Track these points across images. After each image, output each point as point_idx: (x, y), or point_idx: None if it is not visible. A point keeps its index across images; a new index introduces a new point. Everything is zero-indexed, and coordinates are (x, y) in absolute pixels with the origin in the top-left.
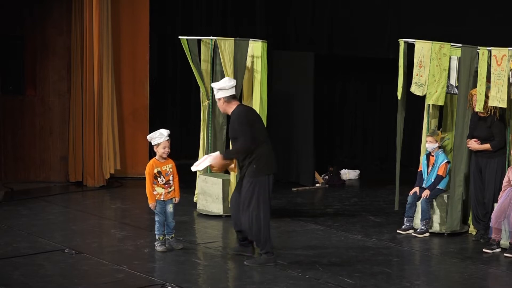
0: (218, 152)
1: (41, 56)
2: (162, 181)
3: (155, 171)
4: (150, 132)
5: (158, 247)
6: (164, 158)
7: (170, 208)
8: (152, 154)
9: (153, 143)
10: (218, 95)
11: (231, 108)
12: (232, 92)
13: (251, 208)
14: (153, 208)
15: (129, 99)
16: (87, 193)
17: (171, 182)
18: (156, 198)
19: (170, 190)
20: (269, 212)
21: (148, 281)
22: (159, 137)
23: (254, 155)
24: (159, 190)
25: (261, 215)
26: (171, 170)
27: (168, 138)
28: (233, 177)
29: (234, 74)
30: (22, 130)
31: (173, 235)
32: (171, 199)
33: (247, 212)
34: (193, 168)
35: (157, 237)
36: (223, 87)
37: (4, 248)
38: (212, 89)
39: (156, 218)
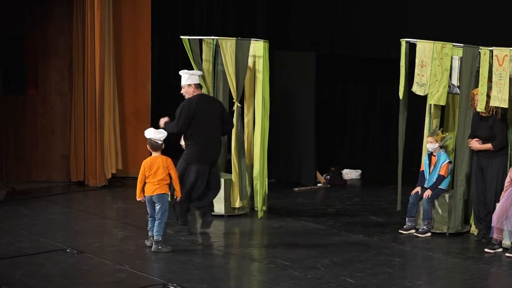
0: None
1: (42, 56)
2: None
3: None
4: None
5: (166, 248)
6: None
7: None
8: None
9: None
10: (190, 80)
11: (195, 94)
12: (198, 81)
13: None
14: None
15: (130, 99)
16: (88, 192)
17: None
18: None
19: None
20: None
21: (149, 281)
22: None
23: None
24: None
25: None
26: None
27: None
28: (235, 177)
29: (236, 74)
30: (24, 130)
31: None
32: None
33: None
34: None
35: (160, 237)
36: (195, 74)
37: (5, 248)
38: (214, 88)
39: (165, 217)
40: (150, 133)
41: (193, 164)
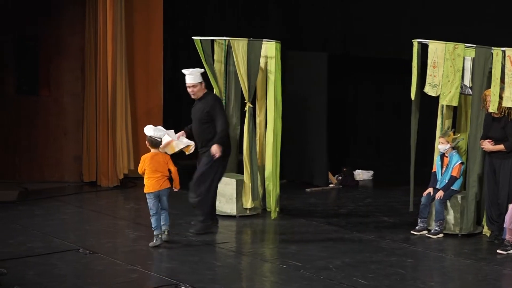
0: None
1: (55, 56)
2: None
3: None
4: None
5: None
6: None
7: None
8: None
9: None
10: (200, 78)
11: (202, 92)
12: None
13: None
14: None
15: (143, 99)
16: (101, 193)
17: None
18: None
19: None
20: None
21: (161, 281)
22: (161, 131)
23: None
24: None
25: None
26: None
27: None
28: (246, 177)
29: (248, 75)
30: (37, 130)
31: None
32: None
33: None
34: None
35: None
36: (201, 71)
37: (18, 248)
38: (226, 88)
39: (167, 211)
40: (150, 131)
41: (227, 157)
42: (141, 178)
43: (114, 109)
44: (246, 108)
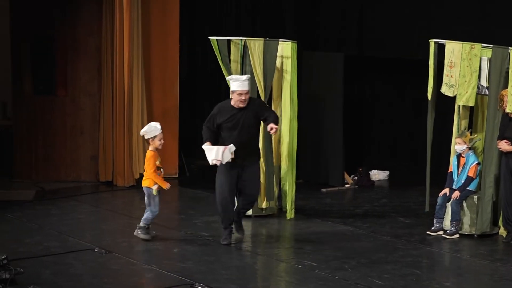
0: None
1: (71, 56)
2: (159, 174)
3: (157, 163)
4: (180, 132)
5: (144, 235)
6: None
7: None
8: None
9: (148, 136)
10: (248, 86)
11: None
12: None
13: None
14: (167, 188)
15: (159, 99)
16: (117, 192)
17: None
18: (157, 190)
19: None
20: None
21: (177, 281)
22: (154, 130)
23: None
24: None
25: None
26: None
27: (161, 130)
28: (262, 178)
29: (264, 75)
30: (53, 130)
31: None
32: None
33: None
34: (215, 162)
35: (144, 225)
36: (247, 78)
37: (35, 247)
38: None
39: (153, 210)
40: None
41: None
42: None
43: (131, 109)
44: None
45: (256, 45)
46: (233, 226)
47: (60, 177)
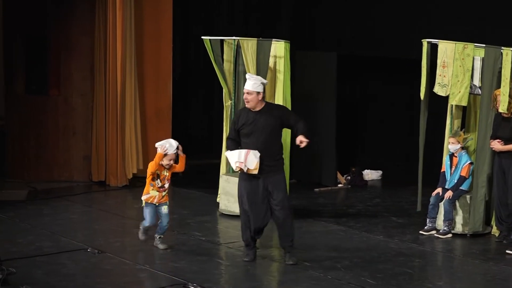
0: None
1: (64, 56)
2: (158, 184)
3: (156, 171)
4: (173, 132)
5: (141, 235)
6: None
7: (164, 209)
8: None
9: (161, 151)
10: (260, 88)
11: (262, 104)
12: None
13: (288, 204)
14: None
15: (152, 99)
16: (109, 192)
17: (166, 186)
18: (149, 201)
19: (164, 194)
20: None
21: (170, 281)
22: (170, 148)
23: (281, 152)
24: (153, 193)
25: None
26: (168, 176)
27: (176, 150)
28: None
29: (257, 75)
30: (46, 129)
31: (162, 236)
32: (165, 202)
33: (285, 209)
34: (238, 165)
35: (158, 235)
36: (265, 83)
37: (27, 247)
38: (234, 89)
39: (144, 221)
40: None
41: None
42: None
43: (123, 108)
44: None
45: (249, 45)
46: (254, 245)
47: (52, 177)
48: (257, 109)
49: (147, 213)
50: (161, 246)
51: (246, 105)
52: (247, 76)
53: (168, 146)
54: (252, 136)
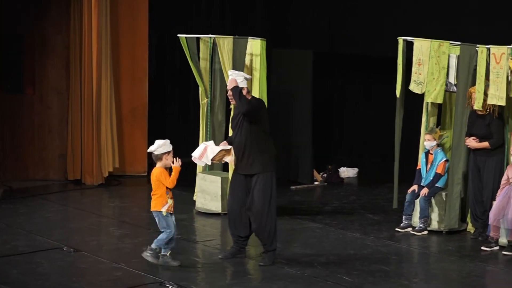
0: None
1: (40, 54)
2: (168, 192)
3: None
4: (149, 130)
5: (152, 258)
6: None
7: (174, 220)
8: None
9: (161, 152)
10: (243, 84)
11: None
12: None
13: (269, 205)
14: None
15: (127, 97)
16: (85, 191)
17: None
18: (168, 211)
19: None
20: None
21: (146, 279)
22: (167, 145)
23: (267, 149)
24: (170, 201)
25: (273, 212)
26: None
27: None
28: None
29: None
30: (21, 128)
31: (170, 251)
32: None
33: (265, 210)
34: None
35: (156, 247)
36: (248, 78)
37: (2, 246)
38: (211, 86)
39: (168, 232)
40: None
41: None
42: (126, 176)
43: (99, 107)
44: (232, 106)
45: (225, 43)
46: (241, 246)
47: (28, 175)
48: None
49: (171, 222)
50: (174, 263)
51: (232, 102)
52: (229, 72)
53: (162, 143)
54: (234, 131)
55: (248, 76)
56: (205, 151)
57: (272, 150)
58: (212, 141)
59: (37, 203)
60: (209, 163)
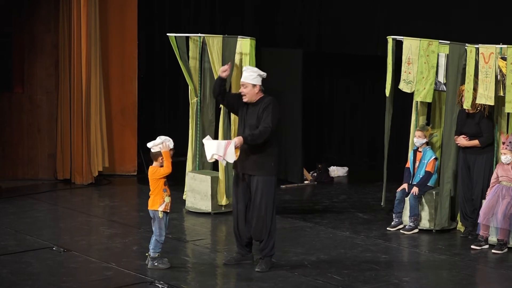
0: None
1: (29, 53)
2: (166, 189)
3: (165, 178)
4: (138, 129)
5: (162, 265)
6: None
7: (167, 221)
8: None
9: (168, 148)
10: (256, 81)
11: (256, 97)
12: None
13: (271, 211)
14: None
15: (117, 96)
16: (75, 190)
17: None
18: (164, 210)
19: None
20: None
21: (136, 279)
22: (168, 141)
23: (272, 152)
24: (167, 199)
25: (273, 217)
26: None
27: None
28: (221, 174)
29: None
30: (10, 127)
31: (159, 252)
32: None
33: (266, 215)
34: (216, 158)
35: (156, 254)
36: (262, 75)
37: None
38: (200, 86)
39: (158, 236)
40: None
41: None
42: (115, 176)
43: (88, 106)
44: (221, 105)
45: (214, 42)
46: (245, 252)
47: (17, 175)
48: (252, 101)
49: (163, 225)
50: (162, 266)
51: (243, 99)
52: (244, 68)
53: (164, 139)
54: (240, 128)
55: (262, 73)
56: (226, 149)
57: (275, 152)
58: (208, 136)
59: (26, 202)
60: (231, 162)
